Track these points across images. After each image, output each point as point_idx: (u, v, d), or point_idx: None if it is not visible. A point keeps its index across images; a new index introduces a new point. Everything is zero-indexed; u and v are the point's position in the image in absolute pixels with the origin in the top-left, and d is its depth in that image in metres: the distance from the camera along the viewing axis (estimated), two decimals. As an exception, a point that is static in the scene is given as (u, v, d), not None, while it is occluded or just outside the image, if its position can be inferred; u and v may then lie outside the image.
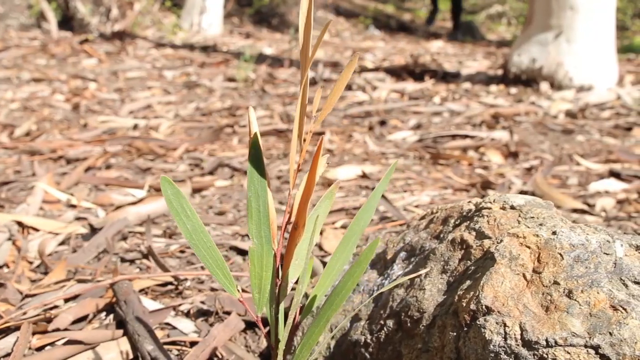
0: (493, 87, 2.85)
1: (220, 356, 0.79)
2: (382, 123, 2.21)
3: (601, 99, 2.53)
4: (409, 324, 0.62)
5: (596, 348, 0.49)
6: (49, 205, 1.30)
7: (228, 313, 0.86)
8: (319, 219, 0.54)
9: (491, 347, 0.52)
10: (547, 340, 0.50)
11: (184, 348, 0.81)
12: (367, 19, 5.05)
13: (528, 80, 2.80)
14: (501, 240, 0.58)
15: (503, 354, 0.51)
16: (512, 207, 0.63)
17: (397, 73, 3.19)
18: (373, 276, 0.74)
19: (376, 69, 3.31)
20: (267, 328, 0.83)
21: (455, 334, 0.56)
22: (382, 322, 0.65)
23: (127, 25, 4.03)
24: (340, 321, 0.72)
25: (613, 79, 2.73)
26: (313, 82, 2.94)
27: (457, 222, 0.66)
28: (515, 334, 0.51)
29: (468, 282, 0.58)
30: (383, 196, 1.29)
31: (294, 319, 0.59)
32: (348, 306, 0.73)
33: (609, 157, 1.76)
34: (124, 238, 1.13)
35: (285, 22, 4.85)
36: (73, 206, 1.31)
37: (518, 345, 0.51)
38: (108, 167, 1.63)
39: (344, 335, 0.70)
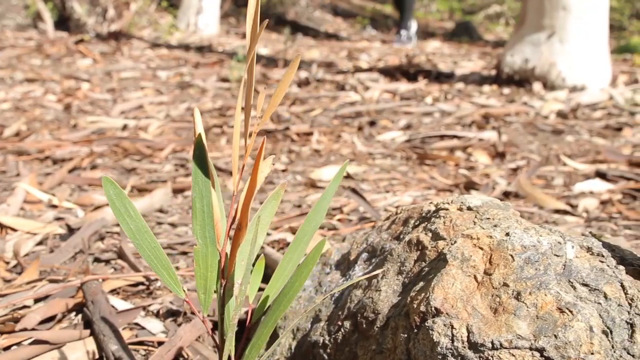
0: (486, 88, 2.84)
1: (186, 356, 0.79)
2: (372, 123, 2.21)
3: (593, 99, 2.52)
4: (364, 325, 0.62)
5: (541, 350, 0.48)
6: (30, 206, 1.30)
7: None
8: (262, 220, 0.54)
9: (439, 349, 0.52)
10: (492, 343, 0.50)
11: (151, 348, 0.81)
12: (364, 19, 5.05)
13: (521, 80, 2.79)
14: (455, 242, 0.58)
15: (450, 356, 0.51)
16: (469, 208, 0.62)
17: (391, 73, 3.19)
18: (336, 277, 0.74)
19: (370, 69, 3.31)
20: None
21: (406, 335, 0.56)
22: (339, 323, 0.65)
23: (123, 26, 4.04)
24: (302, 322, 0.71)
25: (606, 79, 2.72)
26: (307, 83, 2.94)
27: (416, 223, 0.66)
28: (462, 336, 0.51)
29: (421, 284, 0.58)
30: (362, 197, 1.28)
31: (248, 319, 0.59)
32: (310, 307, 0.72)
33: (597, 157, 1.76)
34: (101, 238, 1.13)
35: (283, 23, 4.85)
36: (54, 206, 1.31)
37: (464, 347, 0.51)
38: (94, 167, 1.63)
39: (304, 336, 0.70)
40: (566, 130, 2.13)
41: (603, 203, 1.38)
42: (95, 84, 2.81)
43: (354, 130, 2.11)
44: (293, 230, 1.16)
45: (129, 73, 3.07)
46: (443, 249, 0.59)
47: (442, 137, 2.01)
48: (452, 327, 0.52)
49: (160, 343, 0.82)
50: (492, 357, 0.49)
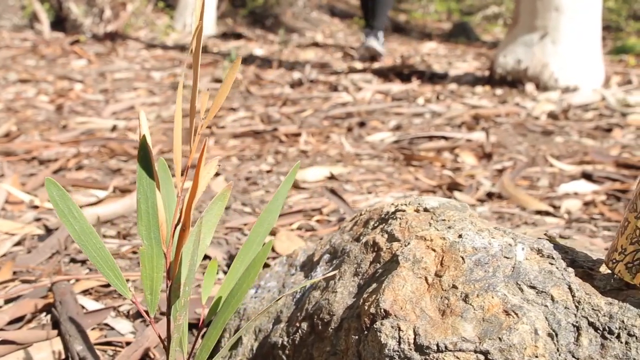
0: (479, 89, 2.83)
1: (152, 356, 0.79)
2: (362, 124, 2.20)
3: (585, 100, 2.52)
4: (320, 327, 0.61)
5: (485, 353, 0.48)
6: (11, 206, 1.30)
7: (164, 314, 0.86)
8: (208, 221, 0.54)
9: (386, 351, 0.52)
10: (437, 345, 0.49)
11: (119, 349, 0.81)
12: (361, 19, 5.04)
13: (513, 81, 2.78)
14: (408, 243, 0.58)
15: (397, 358, 0.51)
16: (426, 210, 0.62)
17: (385, 74, 3.18)
18: (300, 278, 0.74)
19: (364, 70, 3.31)
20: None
21: (357, 337, 0.56)
22: (297, 324, 0.65)
23: (119, 26, 4.04)
24: (264, 323, 0.71)
25: (599, 79, 2.71)
26: (299, 83, 2.94)
27: (375, 225, 0.66)
28: (408, 339, 0.51)
29: (374, 285, 0.58)
30: (341, 198, 1.28)
31: (200, 320, 0.58)
32: (272, 308, 0.72)
33: (584, 158, 1.75)
34: (79, 239, 1.13)
35: (280, 23, 4.85)
36: (36, 207, 1.31)
37: (411, 349, 0.50)
38: (79, 168, 1.64)
39: (266, 337, 0.70)
40: (556, 131, 2.13)
41: (586, 204, 1.38)
42: (88, 85, 2.82)
43: (343, 131, 2.10)
44: (270, 232, 1.15)
45: (122, 74, 3.07)
46: (397, 250, 0.58)
47: (430, 138, 2.01)
48: (400, 329, 0.51)
49: (128, 343, 0.82)
50: (437, 359, 0.49)
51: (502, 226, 0.59)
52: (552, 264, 0.52)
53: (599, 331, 0.48)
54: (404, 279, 0.55)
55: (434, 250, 0.56)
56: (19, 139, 1.96)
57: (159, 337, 0.54)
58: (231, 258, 1.08)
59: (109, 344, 0.82)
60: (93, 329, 0.85)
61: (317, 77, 3.02)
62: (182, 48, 3.75)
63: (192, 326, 0.85)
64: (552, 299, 0.50)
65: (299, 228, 1.18)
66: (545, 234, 0.58)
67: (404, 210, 0.63)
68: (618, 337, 0.47)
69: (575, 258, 0.54)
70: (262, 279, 0.81)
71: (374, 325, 0.53)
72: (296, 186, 1.48)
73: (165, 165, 0.60)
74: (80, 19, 4.02)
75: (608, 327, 0.48)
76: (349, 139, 2.01)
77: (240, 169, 1.64)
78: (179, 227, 0.51)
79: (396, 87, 2.88)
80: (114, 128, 2.07)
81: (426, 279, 0.55)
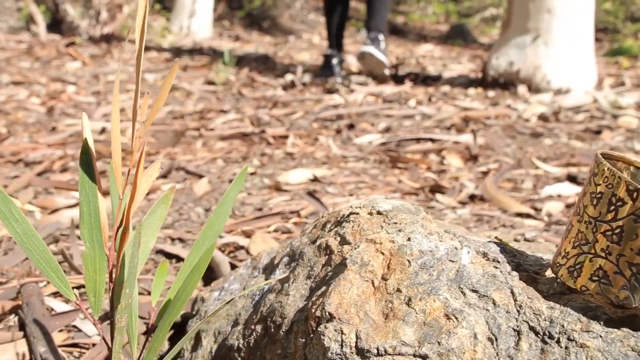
0: (471, 91, 2.83)
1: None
2: (351, 126, 2.20)
3: (577, 102, 2.51)
4: (272, 330, 0.61)
5: (424, 357, 0.48)
6: (-8, 208, 1.31)
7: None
8: (151, 224, 0.54)
9: (329, 354, 0.52)
10: (377, 349, 0.49)
11: (84, 350, 0.81)
12: (358, 22, 5.05)
13: (506, 83, 2.78)
14: (358, 246, 0.58)
15: (340, 361, 0.51)
16: (379, 213, 0.62)
17: (379, 76, 3.18)
18: (260, 280, 0.74)
19: (359, 73, 3.31)
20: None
21: (304, 340, 0.55)
22: (252, 327, 0.65)
23: (115, 28, 4.06)
24: (223, 325, 0.71)
25: (591, 81, 2.70)
26: (292, 86, 2.94)
27: (331, 228, 0.66)
28: (350, 342, 0.51)
29: (323, 288, 0.57)
30: (318, 200, 1.28)
31: (150, 322, 0.58)
32: (232, 310, 0.72)
33: (571, 160, 1.75)
34: (55, 241, 1.14)
35: (277, 25, 4.86)
36: (16, 208, 1.31)
37: (352, 353, 0.50)
38: (64, 170, 1.64)
39: (224, 339, 0.70)
40: (545, 133, 2.12)
41: (568, 206, 1.37)
42: (81, 87, 2.82)
43: (332, 133, 2.10)
44: (246, 234, 1.16)
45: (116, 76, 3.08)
46: (347, 253, 0.58)
47: (418, 140, 2.01)
48: (342, 333, 0.51)
49: (95, 345, 0.82)
50: (377, 363, 0.49)
51: (458, 229, 0.59)
52: (496, 268, 0.52)
53: (539, 336, 0.48)
54: (350, 282, 0.55)
55: (383, 254, 0.56)
56: (7, 140, 1.97)
57: (103, 339, 0.54)
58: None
59: (75, 345, 0.82)
60: (60, 330, 0.85)
61: (311, 80, 3.02)
62: (177, 50, 3.76)
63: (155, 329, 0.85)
64: (494, 303, 0.50)
65: (276, 230, 1.18)
66: (495, 238, 0.58)
67: (357, 214, 0.63)
68: (558, 341, 0.47)
69: (522, 262, 0.54)
70: (226, 281, 0.81)
71: (318, 329, 0.53)
72: (278, 188, 1.48)
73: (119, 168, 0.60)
74: (76, 20, 4.04)
75: (548, 331, 0.48)
76: (337, 141, 2.01)
77: (224, 171, 1.64)
78: (120, 230, 0.51)
79: (389, 89, 2.88)
80: (102, 130, 2.07)
81: (373, 283, 0.54)
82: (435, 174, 1.65)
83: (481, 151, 1.86)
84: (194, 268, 0.51)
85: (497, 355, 0.48)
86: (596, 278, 0.47)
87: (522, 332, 0.48)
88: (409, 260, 0.54)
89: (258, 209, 1.34)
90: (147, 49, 3.83)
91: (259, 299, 0.69)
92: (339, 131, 2.13)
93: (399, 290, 0.52)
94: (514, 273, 0.52)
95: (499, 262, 0.53)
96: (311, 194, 1.32)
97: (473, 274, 0.51)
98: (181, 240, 1.15)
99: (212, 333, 0.72)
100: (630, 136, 2.17)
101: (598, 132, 2.11)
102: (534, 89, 2.72)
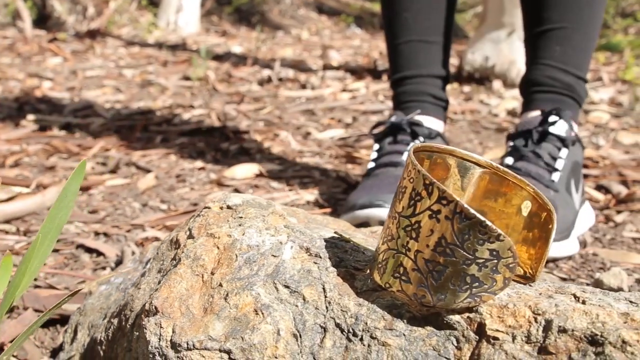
0: (447, 86, 2.81)
1: (15, 354, 0.80)
2: (316, 121, 2.20)
3: (550, 97, 2.49)
4: (123, 323, 0.62)
5: (229, 352, 0.48)
6: None
7: (27, 309, 0.87)
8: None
9: (149, 347, 0.52)
10: (187, 343, 0.50)
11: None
12: (349, 17, 5.03)
13: (481, 78, 2.76)
14: (197, 240, 0.58)
15: (157, 355, 0.51)
16: (229, 207, 0.62)
17: (358, 72, 3.17)
18: (136, 274, 0.74)
19: (338, 68, 3.30)
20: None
21: (138, 333, 0.56)
22: (112, 320, 0.65)
23: (102, 24, 4.08)
24: (96, 319, 0.72)
25: (567, 77, 2.67)
26: (269, 81, 2.94)
27: (187, 222, 0.66)
28: (167, 336, 0.51)
29: (163, 282, 0.58)
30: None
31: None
32: (105, 304, 0.73)
33: (525, 157, 1.73)
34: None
35: (266, 20, 4.85)
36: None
37: (167, 347, 0.51)
38: (16, 165, 1.66)
39: (96, 332, 0.71)
40: (511, 128, 2.11)
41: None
42: (57, 83, 2.84)
43: (293, 128, 2.10)
44: (169, 228, 1.16)
45: (95, 71, 3.10)
46: (186, 247, 0.59)
47: (378, 135, 2.00)
48: (161, 327, 0.52)
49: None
50: (185, 357, 0.49)
51: (314, 224, 0.59)
52: (315, 264, 0.52)
53: (344, 333, 0.48)
54: (181, 276, 0.55)
55: (218, 248, 0.56)
56: (-29, 136, 1.99)
57: None
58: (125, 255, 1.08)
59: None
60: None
61: (287, 75, 3.02)
62: (160, 46, 3.77)
63: (56, 322, 0.86)
64: (304, 299, 0.50)
65: (202, 225, 1.19)
66: (335, 232, 0.58)
67: (209, 208, 0.63)
68: (361, 339, 0.47)
69: (349, 258, 0.54)
70: (116, 275, 0.81)
71: (142, 322, 0.53)
72: (220, 183, 1.48)
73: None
74: (63, 16, 4.06)
75: (352, 329, 0.48)
76: (298, 137, 2.01)
77: (174, 167, 1.65)
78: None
79: (365, 84, 2.87)
80: (66, 126, 2.09)
81: (202, 277, 0.55)
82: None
83: (439, 147, 1.85)
84: (21, 262, 0.52)
85: (301, 351, 0.48)
86: (397, 275, 0.47)
87: (328, 329, 0.48)
88: (236, 255, 0.54)
89: (194, 204, 1.34)
90: (132, 44, 3.85)
91: (124, 293, 0.69)
92: (300, 127, 2.13)
93: (220, 284, 0.53)
94: (332, 269, 0.52)
95: (320, 257, 0.53)
96: (238, 191, 1.32)
97: (290, 270, 0.52)
98: (106, 234, 1.16)
99: (86, 326, 0.72)
100: (596, 131, 2.15)
101: (563, 128, 2.09)
102: (509, 83, 2.70)
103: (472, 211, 0.43)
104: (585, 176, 1.57)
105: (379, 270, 0.48)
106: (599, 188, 1.52)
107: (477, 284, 0.45)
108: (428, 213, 0.45)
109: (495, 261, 0.44)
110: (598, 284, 0.91)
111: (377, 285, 0.50)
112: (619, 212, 1.33)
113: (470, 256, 0.44)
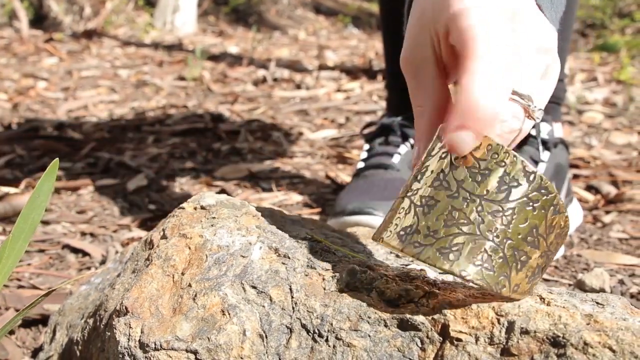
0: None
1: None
2: (309, 122, 2.20)
3: (544, 98, 2.49)
4: (97, 323, 0.62)
5: (195, 353, 0.48)
6: None
7: (9, 309, 0.87)
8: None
9: (119, 347, 0.52)
10: (155, 343, 0.50)
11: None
12: (346, 17, 5.03)
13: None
14: (169, 241, 0.58)
15: (126, 355, 0.51)
16: (202, 207, 0.62)
17: (353, 72, 3.17)
18: (114, 274, 0.74)
19: (333, 68, 3.30)
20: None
21: (109, 333, 0.56)
22: (88, 320, 0.65)
23: (99, 24, 4.08)
24: (75, 319, 0.72)
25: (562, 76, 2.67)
26: (263, 81, 2.94)
27: (163, 222, 0.66)
28: (135, 336, 0.51)
29: (134, 283, 0.58)
30: (230, 195, 1.28)
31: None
32: (83, 304, 0.73)
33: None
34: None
35: (263, 21, 4.85)
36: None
37: (136, 347, 0.51)
38: (6, 166, 1.66)
39: (74, 332, 0.71)
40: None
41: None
42: (52, 83, 2.84)
43: (286, 128, 2.11)
44: (148, 228, 1.16)
45: (90, 72, 3.10)
46: (159, 247, 0.59)
47: (370, 136, 2.00)
48: (130, 327, 0.52)
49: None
50: (153, 357, 0.49)
51: (271, 225, 0.59)
52: (284, 264, 0.52)
53: (310, 334, 0.48)
54: (152, 276, 0.55)
55: (190, 248, 0.57)
56: (-36, 136, 1.99)
57: None
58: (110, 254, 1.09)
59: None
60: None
61: (282, 75, 3.02)
62: (156, 46, 3.77)
63: (38, 322, 0.86)
64: (271, 299, 0.50)
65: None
66: (306, 234, 0.58)
67: (184, 208, 0.63)
68: (327, 340, 0.47)
69: (315, 259, 0.54)
70: (97, 275, 0.81)
71: (113, 322, 0.53)
72: (208, 184, 1.48)
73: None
74: (60, 16, 4.06)
75: (318, 329, 0.48)
76: (291, 137, 2.01)
77: (165, 167, 1.65)
78: None
79: (359, 84, 2.87)
80: (59, 126, 2.09)
81: (173, 277, 0.55)
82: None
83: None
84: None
85: (267, 352, 0.48)
86: (479, 263, 0.43)
87: (294, 330, 0.48)
88: (206, 255, 0.55)
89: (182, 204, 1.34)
90: (128, 44, 3.85)
91: (101, 293, 0.69)
92: (293, 127, 2.13)
93: (190, 285, 0.53)
94: (300, 270, 0.52)
95: (288, 258, 0.53)
96: (224, 190, 1.32)
97: (257, 270, 0.52)
98: (92, 235, 1.16)
99: (65, 326, 0.73)
100: (589, 132, 2.15)
101: (555, 128, 2.09)
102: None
103: (564, 207, 0.46)
104: (576, 176, 1.58)
105: (444, 256, 0.43)
106: (589, 188, 1.52)
107: (538, 275, 0.47)
108: (525, 200, 0.44)
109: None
110: (580, 285, 0.91)
111: (346, 286, 0.49)
112: (607, 212, 1.33)
113: (548, 250, 0.46)
